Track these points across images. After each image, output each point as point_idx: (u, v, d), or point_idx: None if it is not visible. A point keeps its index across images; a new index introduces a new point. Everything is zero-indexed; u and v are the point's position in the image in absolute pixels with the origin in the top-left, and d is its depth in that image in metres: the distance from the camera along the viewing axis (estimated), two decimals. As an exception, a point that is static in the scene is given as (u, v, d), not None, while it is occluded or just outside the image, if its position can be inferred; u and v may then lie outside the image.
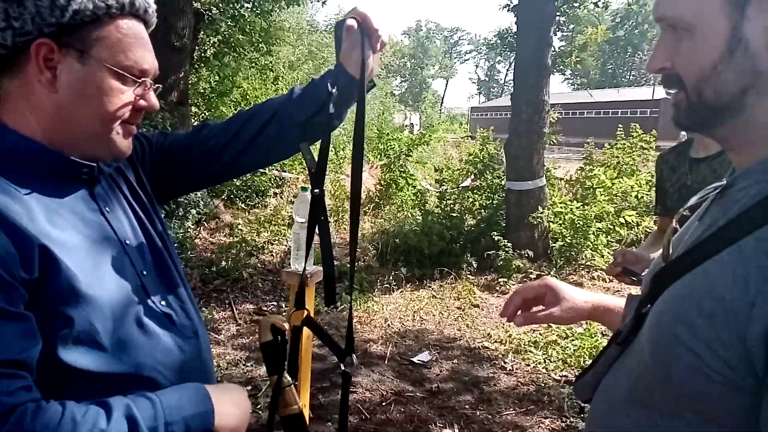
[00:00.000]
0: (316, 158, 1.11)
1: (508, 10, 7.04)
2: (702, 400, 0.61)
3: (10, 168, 0.86)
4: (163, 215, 1.14)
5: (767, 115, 0.65)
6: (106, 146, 0.95)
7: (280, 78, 14.13)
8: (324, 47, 26.00)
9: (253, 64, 11.53)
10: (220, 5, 8.13)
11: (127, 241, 0.99)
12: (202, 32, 8.91)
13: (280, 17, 13.25)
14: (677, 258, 0.70)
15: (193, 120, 8.96)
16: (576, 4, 7.07)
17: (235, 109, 10.39)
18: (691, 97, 0.69)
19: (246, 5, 9.21)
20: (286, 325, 1.14)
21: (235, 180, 8.42)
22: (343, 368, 1.13)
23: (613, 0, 7.85)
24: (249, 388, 3.51)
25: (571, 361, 3.88)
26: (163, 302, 1.00)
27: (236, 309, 4.84)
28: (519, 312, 1.11)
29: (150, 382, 0.93)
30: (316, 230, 1.12)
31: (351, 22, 1.08)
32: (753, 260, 0.57)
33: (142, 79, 0.94)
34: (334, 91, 1.07)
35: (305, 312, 1.17)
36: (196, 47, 8.93)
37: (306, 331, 2.49)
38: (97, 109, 0.91)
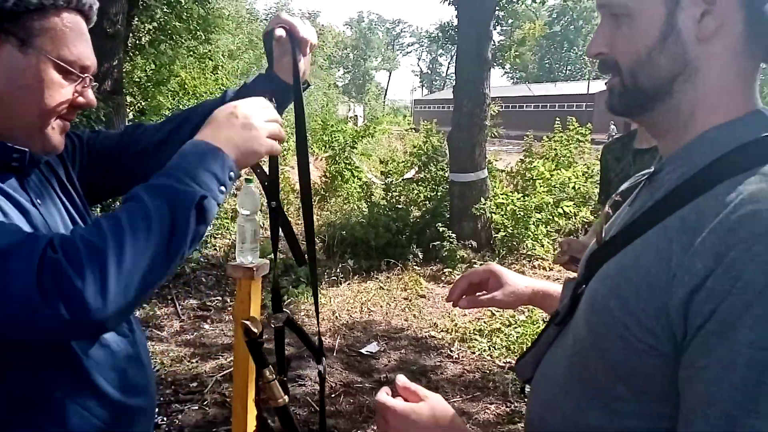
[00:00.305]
0: (267, 170, 1.11)
1: (449, 4, 7.12)
2: (632, 371, 0.65)
3: None
4: (99, 210, 1.10)
5: (690, 103, 0.69)
6: (39, 140, 0.93)
7: (220, 67, 13.78)
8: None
9: (191, 53, 11.16)
10: (156, -10, 7.84)
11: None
12: (136, 18, 8.55)
13: (219, 5, 12.90)
14: (609, 240, 0.74)
15: (128, 110, 8.63)
16: (514, 0, 7.22)
17: (173, 99, 10.04)
18: (626, 82, 0.72)
19: (182, -9, 8.92)
20: (256, 330, 1.14)
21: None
22: (320, 369, 1.19)
23: (551, -4, 8.09)
24: (194, 384, 3.44)
25: (514, 347, 4.01)
26: None
27: (179, 305, 4.71)
28: (464, 296, 1.16)
29: (86, 378, 0.92)
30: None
31: (280, 32, 1.09)
32: (675, 237, 0.61)
33: (84, 75, 0.93)
34: (273, 103, 1.03)
35: (286, 313, 1.20)
36: (131, 34, 8.57)
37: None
38: (34, 101, 0.89)
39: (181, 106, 9.87)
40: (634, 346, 0.63)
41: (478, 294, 1.16)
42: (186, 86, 10.14)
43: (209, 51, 12.11)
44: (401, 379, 0.86)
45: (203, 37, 10.36)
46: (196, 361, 3.76)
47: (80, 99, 0.94)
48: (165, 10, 8.55)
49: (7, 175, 0.90)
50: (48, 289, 0.68)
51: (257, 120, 0.92)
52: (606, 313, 0.67)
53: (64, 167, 1.08)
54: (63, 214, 1.01)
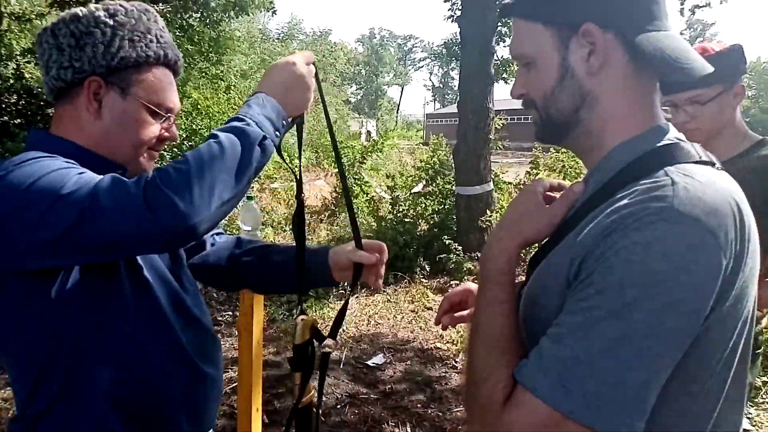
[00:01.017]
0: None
1: (452, 21, 7.25)
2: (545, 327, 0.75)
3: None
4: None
5: (598, 127, 0.83)
6: (134, 166, 1.16)
7: (233, 87, 14.07)
8: (277, 56, 25.94)
9: (204, 74, 11.45)
10: (168, 15, 8.06)
11: None
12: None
13: (231, 27, 13.20)
14: (543, 243, 0.86)
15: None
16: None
17: (186, 119, 10.27)
18: (542, 116, 0.87)
19: (194, 15, 9.16)
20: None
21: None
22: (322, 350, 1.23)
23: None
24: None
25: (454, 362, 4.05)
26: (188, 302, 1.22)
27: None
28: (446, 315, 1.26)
29: (175, 341, 1.15)
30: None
31: (312, 69, 1.19)
32: (588, 231, 0.73)
33: (168, 115, 1.17)
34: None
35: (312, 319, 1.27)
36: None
37: (256, 337, 2.54)
38: (131, 136, 1.13)
39: (194, 126, 10.10)
40: (546, 312, 0.75)
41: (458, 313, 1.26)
42: (199, 106, 10.37)
43: (221, 72, 12.40)
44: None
45: (215, 59, 10.64)
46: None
47: (166, 134, 1.18)
48: (177, 33, 8.80)
49: None
50: (151, 203, 0.89)
51: (302, 78, 1.12)
52: (532, 302, 0.80)
53: None
54: None
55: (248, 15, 10.13)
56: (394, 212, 7.01)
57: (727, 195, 0.70)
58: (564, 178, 8.00)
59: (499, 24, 6.70)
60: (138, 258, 1.12)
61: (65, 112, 1.13)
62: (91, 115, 1.11)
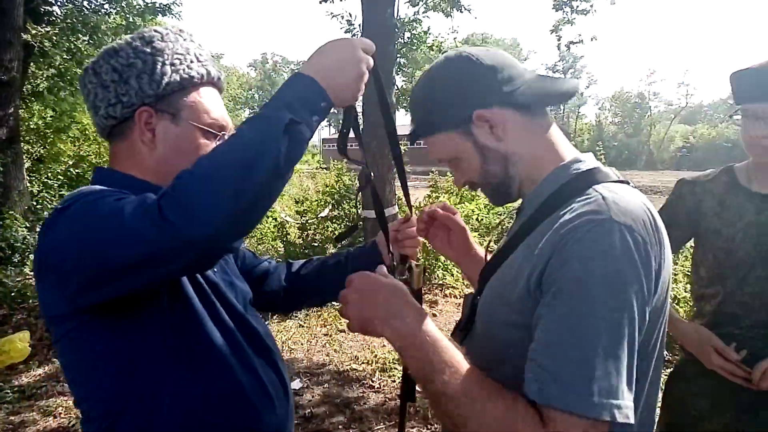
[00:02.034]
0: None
1: (354, 51, 7.46)
2: (512, 349, 0.88)
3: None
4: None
5: (526, 173, 1.01)
6: None
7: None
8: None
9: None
10: (54, 38, 7.63)
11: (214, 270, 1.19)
12: (32, 65, 8.28)
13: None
14: (492, 258, 1.02)
15: (25, 158, 8.24)
16: (414, 48, 7.73)
17: (74, 145, 9.69)
18: (488, 188, 1.06)
19: (83, 38, 8.73)
20: None
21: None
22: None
23: (445, 43, 8.69)
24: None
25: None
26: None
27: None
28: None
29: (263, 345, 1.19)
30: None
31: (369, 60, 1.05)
32: (533, 243, 0.88)
33: (222, 132, 1.14)
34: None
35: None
36: (27, 81, 8.27)
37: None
38: (189, 160, 1.00)
39: (82, 153, 9.54)
40: (514, 326, 0.87)
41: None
42: (87, 132, 9.83)
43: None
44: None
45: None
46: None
47: None
48: (65, 56, 8.34)
49: None
50: (166, 213, 0.81)
51: (355, 63, 0.97)
52: (491, 309, 0.92)
53: None
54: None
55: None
56: (303, 237, 7.03)
57: (643, 206, 0.85)
58: (461, 200, 8.43)
59: (398, 56, 7.02)
60: (216, 302, 1.11)
61: (120, 149, 1.11)
62: (146, 146, 1.09)
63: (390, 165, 6.54)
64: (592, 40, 9.11)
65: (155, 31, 1.10)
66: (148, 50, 1.07)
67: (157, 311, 1.01)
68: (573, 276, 0.79)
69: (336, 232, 7.29)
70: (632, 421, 0.76)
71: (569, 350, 0.77)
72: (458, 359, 0.84)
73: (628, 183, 0.94)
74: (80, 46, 8.45)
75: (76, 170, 9.31)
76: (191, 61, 1.10)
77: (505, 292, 0.90)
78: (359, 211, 7.01)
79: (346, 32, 8.12)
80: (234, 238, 0.87)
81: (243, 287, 1.28)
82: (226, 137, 1.13)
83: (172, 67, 1.07)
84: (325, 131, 78.82)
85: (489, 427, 0.78)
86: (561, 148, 1.01)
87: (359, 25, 7.59)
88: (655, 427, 0.99)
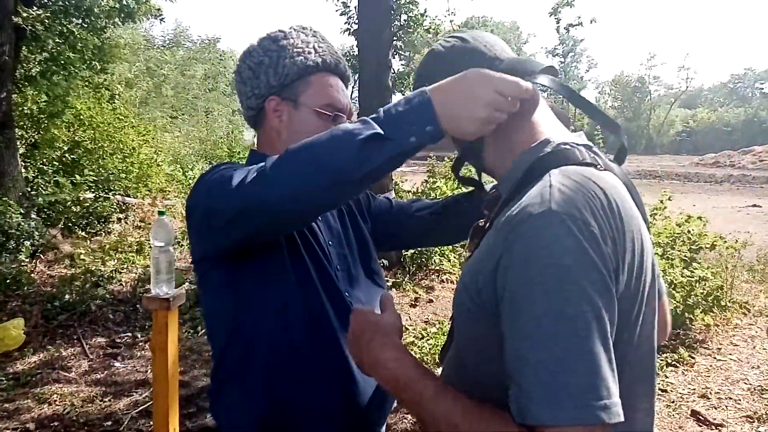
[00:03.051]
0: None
1: (349, 34, 7.41)
2: (481, 340, 0.84)
3: None
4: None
5: (497, 156, 0.99)
6: None
7: (117, 96, 13.30)
8: (163, 64, 24.80)
9: (87, 83, 10.76)
10: (47, 21, 7.52)
11: (330, 242, 1.28)
12: (25, 48, 8.17)
13: (115, 33, 12.52)
14: (469, 256, 0.97)
15: (19, 143, 8.18)
16: (410, 30, 7.64)
17: (68, 130, 9.61)
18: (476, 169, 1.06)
19: (76, 21, 8.62)
20: None
21: (73, 206, 7.83)
22: None
23: (443, 26, 8.60)
24: (109, 423, 3.37)
25: (428, 358, 4.23)
26: (347, 294, 1.24)
27: (86, 344, 4.56)
28: None
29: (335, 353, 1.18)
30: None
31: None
32: (496, 237, 0.82)
33: (336, 113, 1.25)
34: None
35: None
36: (19, 65, 8.17)
37: (171, 356, 2.48)
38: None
39: (77, 138, 9.46)
40: (478, 319, 0.83)
41: None
42: (82, 117, 9.75)
43: (105, 80, 11.72)
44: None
45: (99, 67, 10.03)
46: (109, 400, 3.67)
47: None
48: (57, 40, 8.23)
49: None
50: (257, 182, 0.97)
51: (479, 100, 0.88)
52: (460, 299, 0.88)
53: (360, 214, 1.44)
54: (339, 228, 1.34)
55: (135, 22, 9.68)
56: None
57: (599, 191, 0.79)
58: (459, 186, 8.40)
59: (395, 39, 6.94)
60: (314, 275, 1.19)
61: (261, 135, 1.30)
62: (275, 131, 1.26)
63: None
64: (591, 22, 9.02)
65: (280, 31, 1.27)
66: (274, 47, 1.24)
67: (275, 267, 1.15)
68: (520, 279, 0.74)
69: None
70: (622, 417, 0.70)
71: (535, 361, 0.71)
72: (443, 392, 0.82)
73: (595, 165, 0.87)
74: (73, 29, 8.33)
75: (72, 156, 9.24)
76: (308, 53, 1.24)
77: (470, 279, 0.85)
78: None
79: (341, 14, 8.04)
80: (298, 215, 1.02)
81: (354, 258, 1.34)
82: (343, 119, 1.26)
83: (291, 60, 1.23)
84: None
85: None
86: (537, 128, 0.96)
87: (355, 7, 7.50)
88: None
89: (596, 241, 0.74)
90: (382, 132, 0.89)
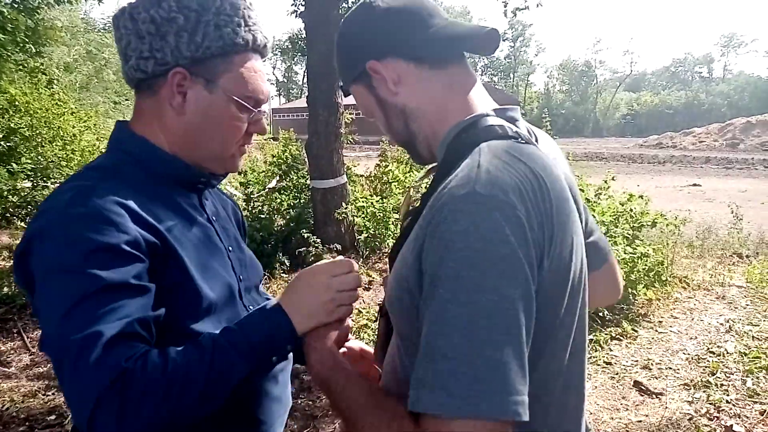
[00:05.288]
0: None
1: (296, 16, 7.25)
2: (410, 327, 0.81)
3: (139, 171, 1.02)
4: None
5: (428, 131, 0.94)
6: (222, 163, 1.09)
7: (56, 81, 12.72)
8: (104, 47, 23.79)
9: (21, 67, 10.24)
10: (-27, 0, 7.10)
11: (230, 248, 1.14)
12: (-50, 30, 7.70)
13: (50, 15, 11.93)
14: (398, 238, 0.94)
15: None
16: (361, 12, 7.53)
17: (3, 117, 9.14)
18: (402, 146, 1.01)
19: (5, 1, 8.16)
20: None
21: (11, 196, 7.48)
22: None
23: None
24: (53, 417, 3.26)
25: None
26: (251, 306, 1.13)
27: (27, 337, 4.37)
28: None
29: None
30: None
31: None
32: (423, 219, 0.79)
33: (258, 109, 1.07)
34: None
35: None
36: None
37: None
38: (218, 132, 1.05)
39: (12, 125, 9.01)
40: (407, 305, 0.80)
41: None
42: (17, 103, 9.28)
43: (42, 65, 11.18)
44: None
45: (33, 50, 9.56)
46: (53, 394, 3.54)
47: (253, 128, 1.09)
48: (-16, 20, 7.78)
49: (190, 195, 1.11)
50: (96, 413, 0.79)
51: (325, 287, 1.00)
52: (391, 287, 0.85)
53: (237, 224, 1.28)
54: (232, 233, 1.19)
55: (71, 4, 9.23)
56: (249, 209, 6.90)
57: (529, 171, 0.77)
58: (411, 169, 8.43)
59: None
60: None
61: (146, 106, 1.04)
62: (173, 110, 1.02)
63: (336, 134, 6.44)
64: (537, 6, 9.15)
65: None
66: (194, 6, 0.98)
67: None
68: (436, 262, 0.71)
69: (285, 203, 7.18)
70: (523, 417, 0.66)
71: (435, 347, 0.68)
72: (352, 383, 0.86)
73: (516, 138, 0.84)
74: (2, 9, 7.89)
75: (8, 144, 8.81)
76: (238, 25, 1.01)
77: (401, 266, 0.82)
78: (308, 181, 6.90)
79: (289, -4, 7.85)
80: None
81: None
82: (261, 113, 1.09)
83: (216, 29, 0.99)
84: (275, 101, 77.26)
85: None
86: (471, 102, 0.92)
87: (303, -11, 7.35)
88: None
89: (520, 226, 0.71)
90: (252, 368, 0.91)
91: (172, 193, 1.05)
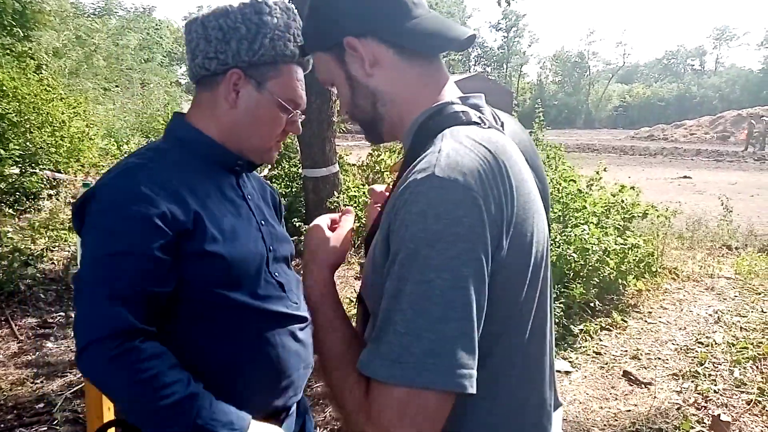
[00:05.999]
0: None
1: (290, 2, 7.18)
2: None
3: (186, 153, 1.22)
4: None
5: (396, 115, 0.94)
6: (260, 154, 1.29)
7: (44, 66, 12.54)
8: (94, 32, 23.47)
9: (8, 51, 10.08)
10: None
11: (262, 222, 1.29)
12: (-64, 12, 7.55)
13: (39, -2, 11.74)
14: (372, 224, 0.95)
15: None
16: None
17: (-10, 103, 9.00)
18: (360, 123, 1.00)
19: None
20: None
21: (-2, 182, 7.40)
22: None
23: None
24: (41, 405, 3.24)
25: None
26: (277, 274, 1.27)
27: (15, 324, 4.34)
28: None
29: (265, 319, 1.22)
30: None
31: None
32: (389, 204, 0.80)
33: (295, 111, 1.27)
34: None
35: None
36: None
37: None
38: (261, 127, 1.25)
39: (0, 111, 8.89)
40: (380, 288, 0.79)
41: None
42: (5, 88, 9.14)
43: (30, 49, 11.01)
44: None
45: (21, 34, 9.41)
46: (41, 382, 3.52)
47: (290, 127, 1.28)
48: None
49: (229, 175, 1.28)
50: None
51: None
52: (366, 271, 0.87)
53: (273, 206, 1.44)
54: (264, 210, 1.34)
55: (59, -14, 9.08)
56: (240, 197, 6.86)
57: (489, 154, 0.79)
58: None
59: None
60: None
61: (204, 98, 1.25)
62: (227, 104, 1.22)
63: (329, 122, 6.41)
64: (532, -4, 9.09)
65: (266, 3, 1.21)
66: (255, 20, 1.19)
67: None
68: (398, 241, 0.75)
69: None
70: (471, 389, 0.70)
71: (389, 319, 0.73)
72: (332, 327, 0.87)
73: (479, 124, 0.86)
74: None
75: (-5, 130, 8.69)
76: (288, 40, 1.22)
77: (374, 252, 0.84)
78: (300, 170, 6.87)
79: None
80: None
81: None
82: (298, 115, 1.28)
83: (270, 42, 1.20)
84: (268, 89, 76.48)
85: (334, 394, 0.81)
86: (441, 93, 0.93)
87: (296, -25, 7.25)
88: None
89: (476, 207, 0.73)
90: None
91: (212, 173, 1.23)
